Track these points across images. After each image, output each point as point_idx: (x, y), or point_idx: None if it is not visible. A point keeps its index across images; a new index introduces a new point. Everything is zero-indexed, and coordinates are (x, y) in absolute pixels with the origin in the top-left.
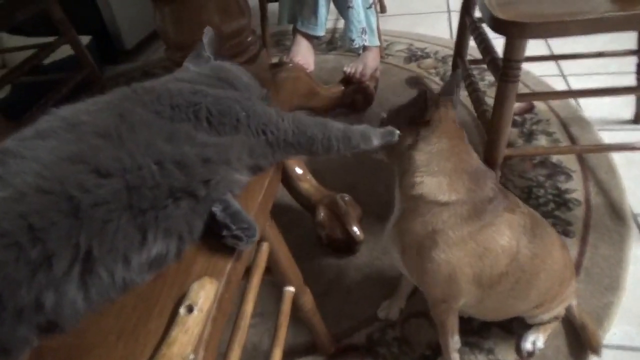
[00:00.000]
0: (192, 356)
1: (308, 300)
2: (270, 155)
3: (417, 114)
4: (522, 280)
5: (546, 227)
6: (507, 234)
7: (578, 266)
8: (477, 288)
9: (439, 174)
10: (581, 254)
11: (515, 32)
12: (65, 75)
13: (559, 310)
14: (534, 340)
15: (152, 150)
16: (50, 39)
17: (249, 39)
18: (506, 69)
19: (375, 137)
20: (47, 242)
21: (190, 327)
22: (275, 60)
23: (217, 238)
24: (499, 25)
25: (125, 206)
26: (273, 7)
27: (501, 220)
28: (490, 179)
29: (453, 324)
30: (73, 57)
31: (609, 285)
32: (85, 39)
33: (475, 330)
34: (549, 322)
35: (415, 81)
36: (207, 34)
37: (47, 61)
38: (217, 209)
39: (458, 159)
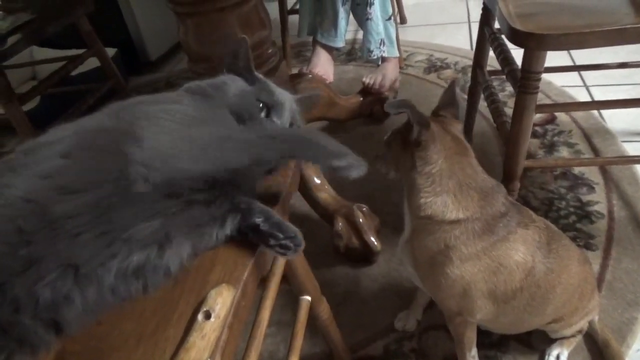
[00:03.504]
0: None
1: (324, 310)
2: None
3: (407, 136)
4: (537, 295)
5: (563, 241)
6: (521, 249)
7: (600, 280)
8: (492, 303)
9: (443, 193)
10: (604, 267)
11: (534, 44)
12: (91, 86)
13: (582, 324)
14: (558, 355)
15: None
16: (78, 51)
17: (270, 50)
18: (525, 81)
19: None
20: (35, 244)
21: (208, 333)
22: (295, 71)
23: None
24: (517, 37)
25: (93, 219)
26: (293, 19)
27: (515, 237)
28: (500, 193)
29: (470, 337)
30: (99, 69)
31: (633, 300)
32: (111, 51)
33: (494, 344)
34: (572, 336)
35: (397, 104)
36: (243, 44)
37: (74, 72)
38: (259, 220)
39: (462, 175)
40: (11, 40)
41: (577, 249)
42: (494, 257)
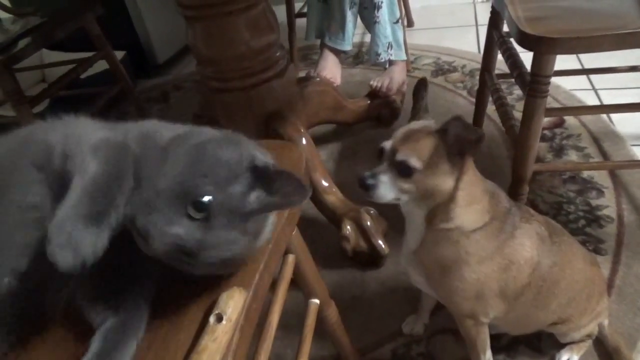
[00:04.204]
0: None
1: (333, 313)
2: None
3: (463, 148)
4: (543, 289)
5: (564, 236)
6: (527, 244)
7: (610, 285)
8: (502, 301)
9: (472, 202)
10: (613, 272)
11: (544, 47)
12: (100, 89)
13: (591, 328)
14: (568, 359)
15: None
16: (87, 54)
17: (278, 53)
18: (534, 84)
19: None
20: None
21: (219, 336)
22: (302, 74)
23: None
24: (527, 41)
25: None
26: (301, 22)
27: (521, 232)
28: (501, 191)
29: (484, 339)
30: (108, 72)
31: None
32: (119, 54)
33: (502, 348)
34: (581, 340)
35: (462, 125)
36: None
37: (83, 75)
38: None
39: (480, 180)
40: (22, 43)
41: (581, 247)
42: (505, 255)
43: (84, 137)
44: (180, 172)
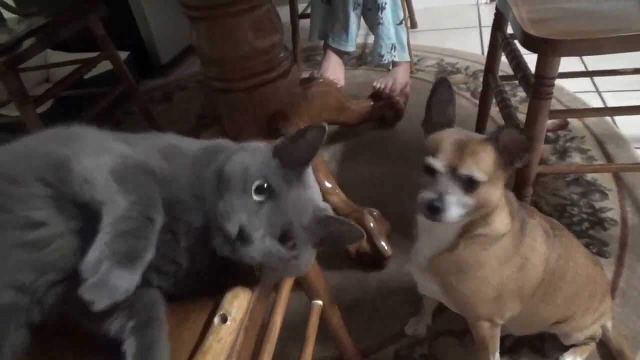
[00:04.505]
0: None
1: (335, 314)
2: None
3: (512, 156)
4: (552, 284)
5: (563, 230)
6: (538, 239)
7: (614, 288)
8: (519, 301)
9: (503, 206)
10: (617, 275)
11: (548, 49)
12: (104, 89)
13: (594, 329)
14: None
15: None
16: (91, 54)
17: (281, 54)
18: (538, 86)
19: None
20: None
21: (224, 337)
22: (306, 75)
23: None
24: (531, 43)
25: None
26: (304, 23)
27: (530, 227)
28: (508, 190)
29: (496, 342)
30: (111, 72)
31: None
32: (123, 54)
33: (506, 351)
34: (584, 343)
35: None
36: (319, 133)
37: (86, 76)
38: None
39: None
40: (26, 43)
41: (581, 244)
42: (521, 253)
43: (100, 158)
44: (289, 211)
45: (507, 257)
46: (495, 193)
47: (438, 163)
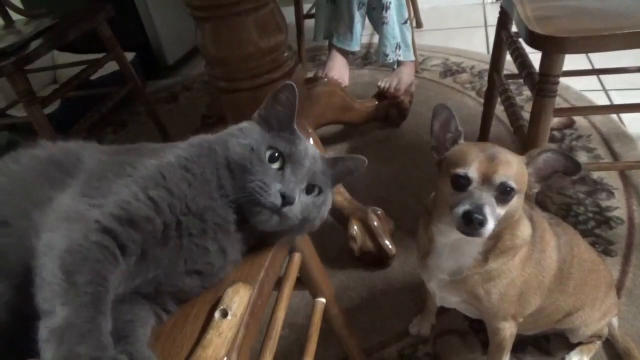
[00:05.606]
0: (225, 359)
1: (338, 313)
2: None
3: (553, 174)
4: (563, 271)
5: (557, 218)
6: (547, 228)
7: (620, 287)
8: (539, 296)
9: (521, 212)
10: (623, 274)
11: (553, 47)
12: (110, 90)
13: (601, 325)
14: None
15: None
16: (97, 55)
17: (286, 54)
18: (543, 84)
19: None
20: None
21: (224, 331)
22: (310, 75)
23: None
24: (536, 40)
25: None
26: (309, 23)
27: (539, 221)
28: None
29: (512, 340)
30: (118, 73)
31: None
32: (129, 55)
33: (510, 349)
34: (591, 341)
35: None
36: (290, 90)
37: (93, 76)
38: None
39: None
40: (34, 44)
41: (576, 232)
42: (537, 249)
43: (60, 229)
44: (305, 164)
45: (528, 256)
46: (521, 204)
47: (473, 172)
